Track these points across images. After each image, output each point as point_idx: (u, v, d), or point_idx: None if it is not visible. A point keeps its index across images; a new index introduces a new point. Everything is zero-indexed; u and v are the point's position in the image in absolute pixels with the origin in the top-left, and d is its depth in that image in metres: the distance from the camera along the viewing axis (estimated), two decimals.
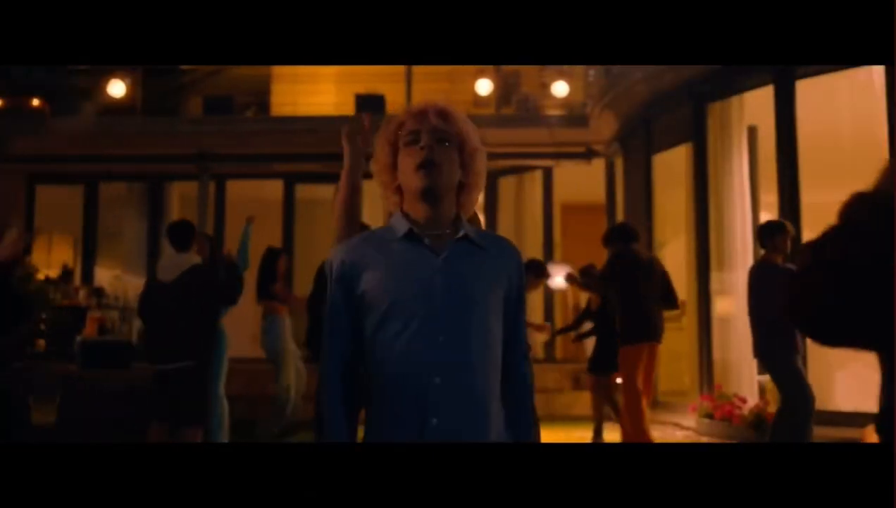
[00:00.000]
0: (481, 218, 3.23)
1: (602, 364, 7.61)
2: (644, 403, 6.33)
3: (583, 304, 9.72)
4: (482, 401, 1.89)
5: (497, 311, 1.95)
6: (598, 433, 7.67)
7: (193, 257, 5.60)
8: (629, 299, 6.44)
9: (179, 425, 5.27)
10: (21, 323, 5.42)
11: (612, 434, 7.68)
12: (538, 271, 7.12)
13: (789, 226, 6.09)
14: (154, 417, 5.29)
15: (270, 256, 7.84)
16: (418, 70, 11.26)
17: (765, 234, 6.05)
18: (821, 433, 5.75)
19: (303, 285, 11.26)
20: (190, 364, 5.27)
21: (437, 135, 1.96)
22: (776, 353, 5.77)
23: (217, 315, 5.82)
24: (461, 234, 1.97)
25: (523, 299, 2.04)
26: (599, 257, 10.98)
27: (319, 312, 6.43)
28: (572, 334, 8.77)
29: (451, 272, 1.91)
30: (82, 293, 10.62)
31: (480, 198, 2.44)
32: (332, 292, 1.97)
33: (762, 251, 6.07)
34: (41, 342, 9.32)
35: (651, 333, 6.43)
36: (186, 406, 5.28)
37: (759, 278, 5.90)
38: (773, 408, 7.08)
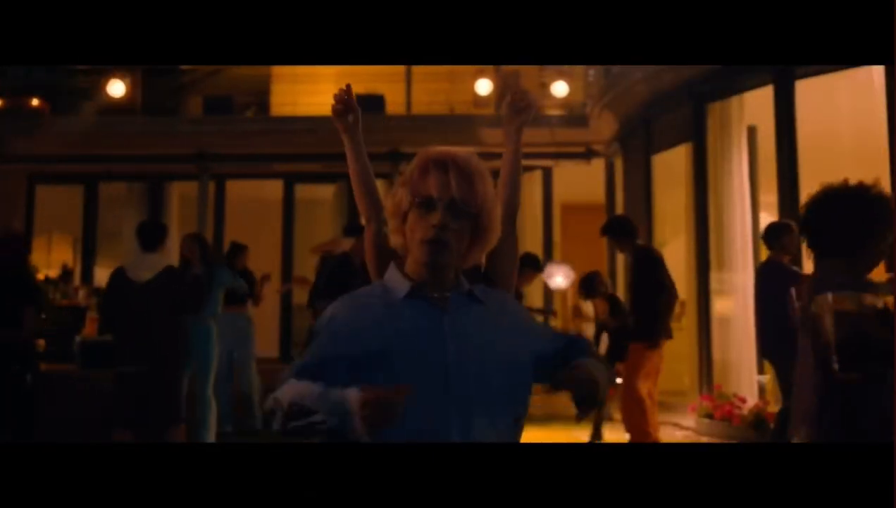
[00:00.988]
0: None
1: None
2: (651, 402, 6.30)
3: (583, 305, 9.70)
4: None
5: (510, 360, 1.90)
6: (597, 433, 7.61)
7: (164, 259, 5.52)
8: (652, 297, 6.32)
9: (148, 429, 5.15)
10: (32, 307, 5.39)
11: (609, 434, 7.68)
12: (534, 265, 7.10)
13: (794, 226, 6.07)
14: (116, 422, 5.17)
15: (232, 251, 7.84)
16: (418, 70, 11.26)
17: (771, 235, 6.04)
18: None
19: (301, 286, 11.27)
20: (152, 367, 5.17)
21: (453, 208, 1.85)
22: (784, 354, 5.75)
23: (184, 319, 5.69)
24: (465, 289, 1.92)
25: (545, 329, 2.06)
26: (599, 256, 10.97)
27: (322, 306, 6.42)
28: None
29: (460, 332, 1.86)
30: (82, 293, 10.61)
31: None
32: (320, 347, 1.84)
33: (769, 252, 6.06)
34: (41, 342, 9.31)
35: (668, 331, 6.40)
36: (154, 411, 5.18)
37: (767, 279, 5.89)
38: (773, 408, 7.08)
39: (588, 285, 7.92)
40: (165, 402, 5.23)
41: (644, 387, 6.24)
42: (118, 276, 5.45)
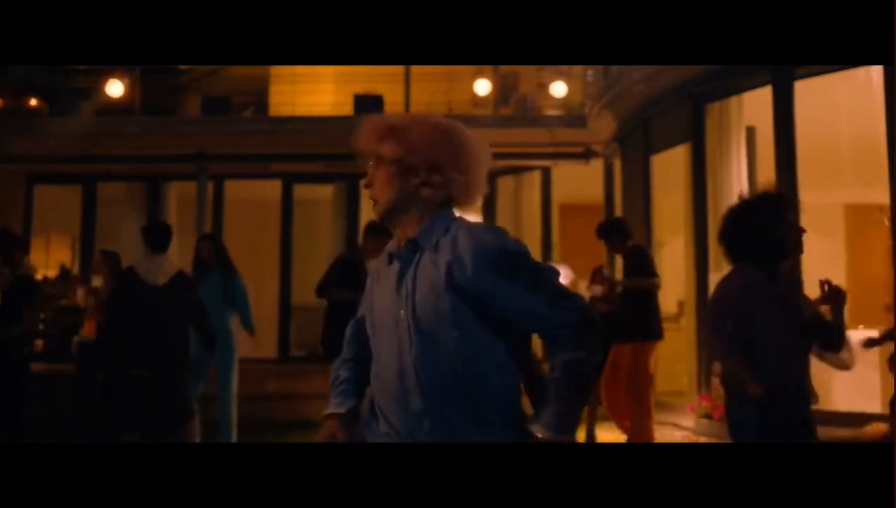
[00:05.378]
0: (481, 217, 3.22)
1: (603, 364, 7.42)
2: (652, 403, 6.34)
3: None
4: (457, 396, 1.85)
5: (453, 307, 1.84)
6: (590, 434, 7.48)
7: (173, 262, 5.48)
8: (650, 295, 6.38)
9: (156, 434, 5.11)
10: (31, 303, 5.37)
11: (603, 434, 7.64)
12: None
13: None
14: (126, 426, 5.13)
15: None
16: (417, 70, 11.25)
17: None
18: (820, 433, 5.73)
19: (300, 286, 11.27)
20: (165, 371, 5.11)
21: (375, 161, 1.93)
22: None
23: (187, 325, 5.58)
24: (410, 238, 1.93)
25: (509, 279, 1.83)
26: (598, 257, 10.97)
27: (331, 301, 6.35)
28: None
29: (400, 285, 1.91)
30: (80, 293, 10.59)
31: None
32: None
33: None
34: (39, 342, 9.29)
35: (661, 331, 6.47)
36: (166, 413, 5.13)
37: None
38: None
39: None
40: (177, 404, 5.20)
41: (649, 388, 6.28)
42: (129, 277, 5.34)
